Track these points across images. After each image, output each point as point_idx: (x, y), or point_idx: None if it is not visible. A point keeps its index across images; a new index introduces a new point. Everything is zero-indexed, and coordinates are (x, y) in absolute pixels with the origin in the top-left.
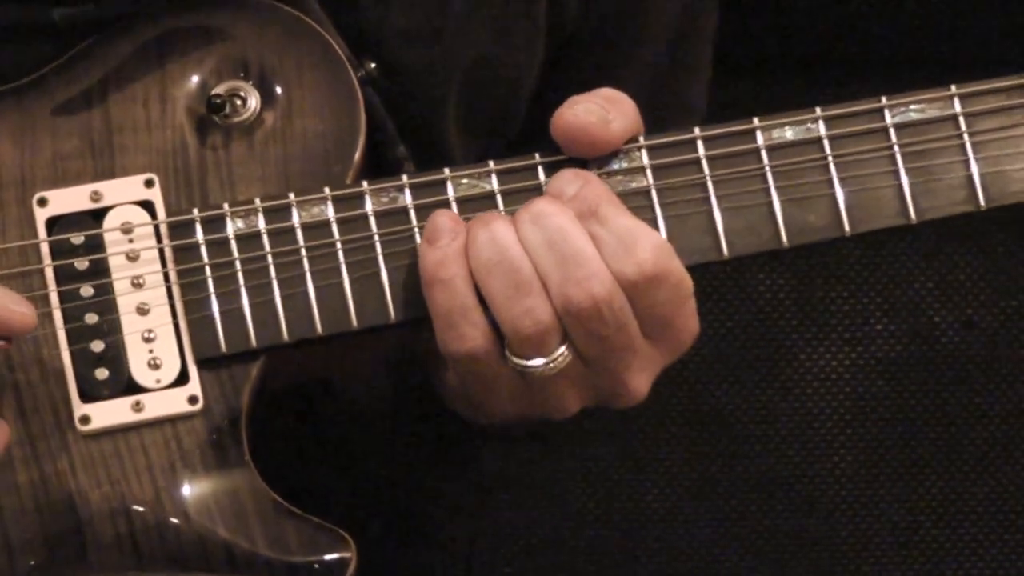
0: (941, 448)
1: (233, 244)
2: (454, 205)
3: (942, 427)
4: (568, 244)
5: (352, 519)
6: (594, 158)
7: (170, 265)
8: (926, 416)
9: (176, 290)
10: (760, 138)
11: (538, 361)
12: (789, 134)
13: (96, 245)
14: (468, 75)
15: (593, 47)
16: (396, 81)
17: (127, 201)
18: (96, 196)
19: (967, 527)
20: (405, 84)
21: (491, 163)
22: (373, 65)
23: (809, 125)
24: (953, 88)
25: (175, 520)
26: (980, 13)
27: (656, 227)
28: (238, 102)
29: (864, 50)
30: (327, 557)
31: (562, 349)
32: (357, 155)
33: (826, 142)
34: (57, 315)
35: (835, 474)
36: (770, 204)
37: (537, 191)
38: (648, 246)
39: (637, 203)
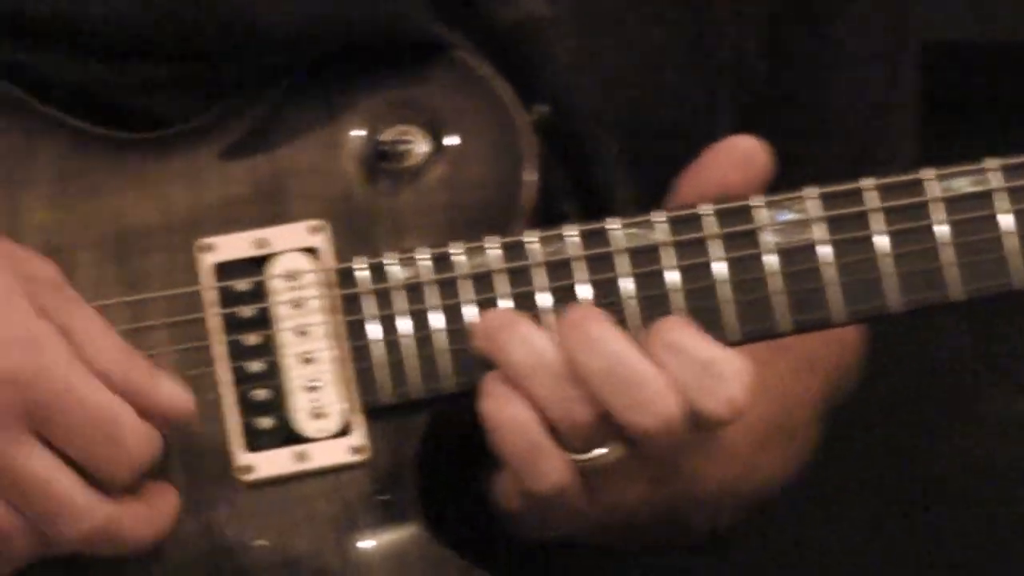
0: None
1: (399, 292)
2: (625, 255)
3: None
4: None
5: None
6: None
7: (335, 313)
8: None
9: (341, 339)
10: (938, 189)
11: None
12: (964, 184)
13: (261, 292)
14: (625, 122)
15: (781, 116)
16: (562, 125)
17: (293, 248)
18: (262, 242)
19: None
20: (571, 128)
21: (651, 214)
22: (545, 108)
23: (988, 175)
24: None
25: (338, 574)
26: None
27: (821, 281)
28: (406, 148)
29: None
30: None
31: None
32: (525, 203)
33: (1005, 193)
34: (222, 364)
35: (1013, 525)
36: (943, 257)
37: (699, 244)
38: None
39: (803, 256)
